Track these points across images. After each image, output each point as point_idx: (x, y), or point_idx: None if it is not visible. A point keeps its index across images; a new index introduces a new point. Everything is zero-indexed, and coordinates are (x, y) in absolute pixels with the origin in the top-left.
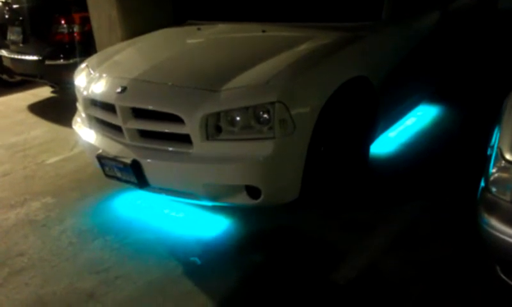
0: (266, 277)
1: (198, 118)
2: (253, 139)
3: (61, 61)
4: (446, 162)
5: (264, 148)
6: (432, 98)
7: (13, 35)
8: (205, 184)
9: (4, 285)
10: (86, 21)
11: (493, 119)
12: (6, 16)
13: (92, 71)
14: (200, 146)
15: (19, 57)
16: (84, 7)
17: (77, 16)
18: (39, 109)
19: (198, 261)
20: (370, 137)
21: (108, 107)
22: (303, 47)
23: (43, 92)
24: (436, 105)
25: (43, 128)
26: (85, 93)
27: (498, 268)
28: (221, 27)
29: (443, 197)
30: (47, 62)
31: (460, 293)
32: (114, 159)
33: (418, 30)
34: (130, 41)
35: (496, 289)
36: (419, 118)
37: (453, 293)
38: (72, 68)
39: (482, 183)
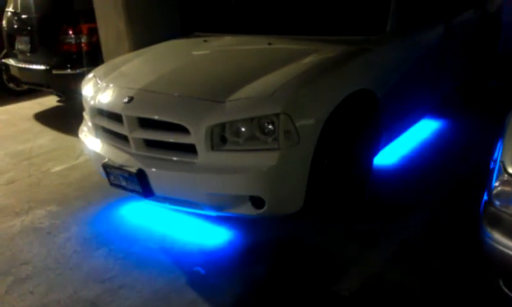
0: (269, 287)
1: (204, 129)
2: (258, 149)
3: (68, 70)
4: (448, 175)
5: (268, 159)
6: (435, 111)
7: (21, 44)
8: (210, 194)
9: (9, 293)
10: (93, 32)
11: (496, 133)
12: (15, 26)
13: (99, 81)
14: (204, 156)
15: (27, 66)
16: (91, 18)
17: (84, 27)
18: (45, 117)
19: (202, 271)
20: (373, 149)
21: (115, 117)
22: (308, 60)
23: (49, 101)
24: (439, 118)
25: (48, 137)
26: (92, 102)
27: (501, 281)
28: (228, 39)
29: (445, 210)
30: (54, 71)
31: (463, 305)
32: (119, 168)
33: (423, 43)
34: (137, 52)
35: (499, 302)
36: (422, 131)
37: (456, 306)
38: (79, 77)
39: (485, 197)
